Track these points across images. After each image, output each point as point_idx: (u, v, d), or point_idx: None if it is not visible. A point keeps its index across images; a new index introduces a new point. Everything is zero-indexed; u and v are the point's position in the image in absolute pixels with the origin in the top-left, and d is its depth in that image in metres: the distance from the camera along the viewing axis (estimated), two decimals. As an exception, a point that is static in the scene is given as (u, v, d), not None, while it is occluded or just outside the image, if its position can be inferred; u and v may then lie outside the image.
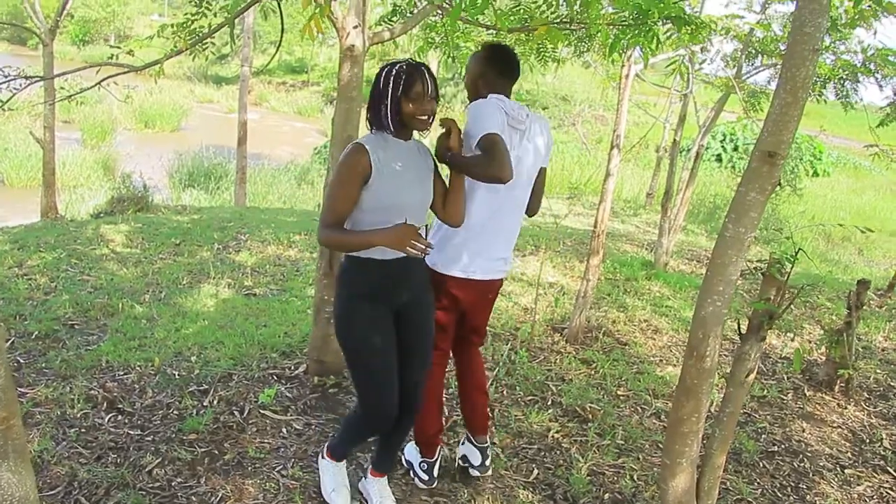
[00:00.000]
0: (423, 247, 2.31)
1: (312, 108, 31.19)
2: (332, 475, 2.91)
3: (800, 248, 2.39)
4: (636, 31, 2.72)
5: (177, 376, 3.91)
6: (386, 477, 2.97)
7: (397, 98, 2.34)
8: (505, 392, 4.07)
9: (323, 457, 2.94)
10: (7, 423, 1.07)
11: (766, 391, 4.50)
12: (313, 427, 3.48)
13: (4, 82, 4.14)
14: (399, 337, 2.59)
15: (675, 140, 7.46)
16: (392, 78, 2.34)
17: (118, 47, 3.88)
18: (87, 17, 40.25)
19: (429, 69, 2.40)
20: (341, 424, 2.99)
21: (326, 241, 2.45)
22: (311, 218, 9.31)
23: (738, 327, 2.52)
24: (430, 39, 4.43)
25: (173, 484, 2.97)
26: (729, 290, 2.27)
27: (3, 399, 1.08)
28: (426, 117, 2.39)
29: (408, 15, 3.97)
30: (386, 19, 4.04)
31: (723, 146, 20.94)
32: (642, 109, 11.74)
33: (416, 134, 2.53)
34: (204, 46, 3.72)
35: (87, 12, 39.76)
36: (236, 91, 32.01)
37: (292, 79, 36.49)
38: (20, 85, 4.22)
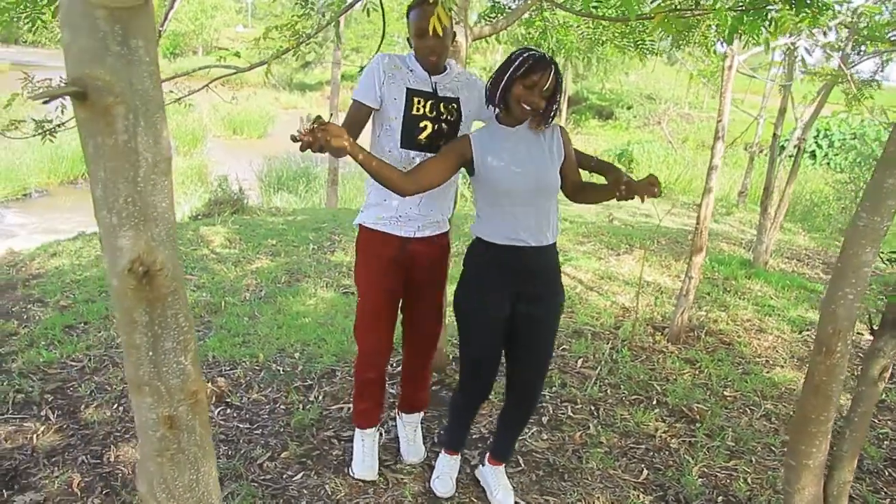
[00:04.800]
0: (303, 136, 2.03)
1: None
2: (441, 465, 3.00)
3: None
4: (754, 17, 2.62)
5: (281, 372, 3.99)
6: (503, 465, 3.00)
7: (512, 79, 2.37)
8: (609, 391, 4.00)
9: (442, 453, 3.03)
10: (195, 397, 1.09)
11: (884, 395, 4.28)
12: (418, 423, 3.49)
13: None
14: (518, 328, 2.63)
15: (774, 134, 7.20)
16: (516, 60, 2.37)
17: (225, 49, 3.99)
18: (177, 31, 41.71)
19: (558, 70, 2.38)
20: (447, 414, 3.05)
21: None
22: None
23: (870, 322, 2.40)
24: (528, 36, 4.40)
25: (284, 476, 3.03)
26: (862, 283, 2.16)
27: (192, 374, 1.09)
28: (529, 108, 2.38)
29: (507, 10, 3.95)
30: (485, 16, 4.02)
31: (817, 143, 20.13)
32: (734, 106, 11.37)
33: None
34: (307, 46, 3.79)
35: (178, 26, 41.20)
36: (319, 97, 32.78)
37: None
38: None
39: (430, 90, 2.63)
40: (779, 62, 4.91)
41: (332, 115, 2.82)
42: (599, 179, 2.63)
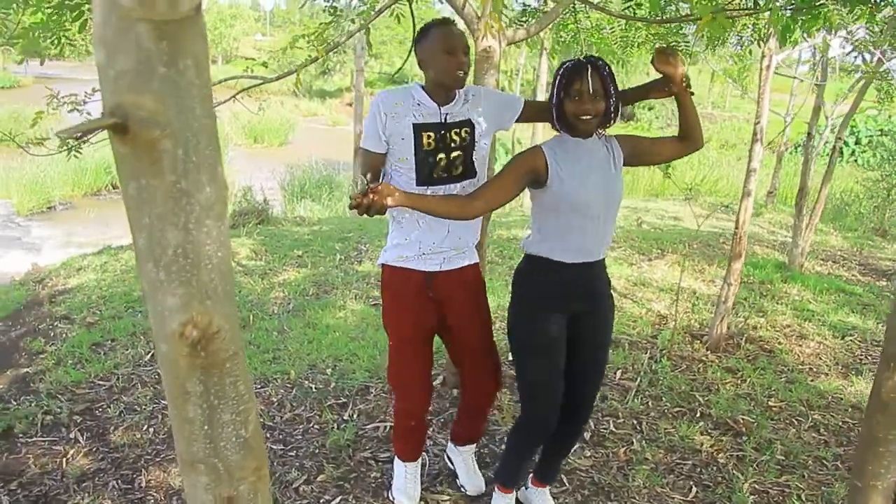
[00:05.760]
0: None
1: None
2: None
3: None
4: (809, 15, 2.50)
5: (314, 389, 3.90)
6: (548, 487, 2.87)
7: (560, 99, 2.26)
8: (650, 403, 3.87)
9: (497, 491, 2.80)
10: (258, 473, 0.96)
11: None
12: (456, 441, 3.38)
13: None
14: (574, 346, 2.47)
15: (809, 133, 7.03)
16: (555, 79, 2.27)
17: (252, 59, 3.93)
18: (197, 41, 41.94)
19: (598, 66, 2.24)
20: (504, 448, 2.84)
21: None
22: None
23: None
24: (559, 39, 4.29)
25: (321, 501, 2.94)
26: (933, 294, 2.03)
27: (254, 448, 0.96)
28: (588, 117, 2.24)
29: (539, 14, 3.84)
30: (516, 20, 3.92)
31: (844, 140, 19.82)
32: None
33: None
34: (335, 54, 3.71)
35: (198, 36, 41.41)
36: (339, 104, 32.78)
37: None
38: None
39: (439, 121, 2.47)
40: (808, 60, 4.76)
41: (383, 175, 2.73)
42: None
